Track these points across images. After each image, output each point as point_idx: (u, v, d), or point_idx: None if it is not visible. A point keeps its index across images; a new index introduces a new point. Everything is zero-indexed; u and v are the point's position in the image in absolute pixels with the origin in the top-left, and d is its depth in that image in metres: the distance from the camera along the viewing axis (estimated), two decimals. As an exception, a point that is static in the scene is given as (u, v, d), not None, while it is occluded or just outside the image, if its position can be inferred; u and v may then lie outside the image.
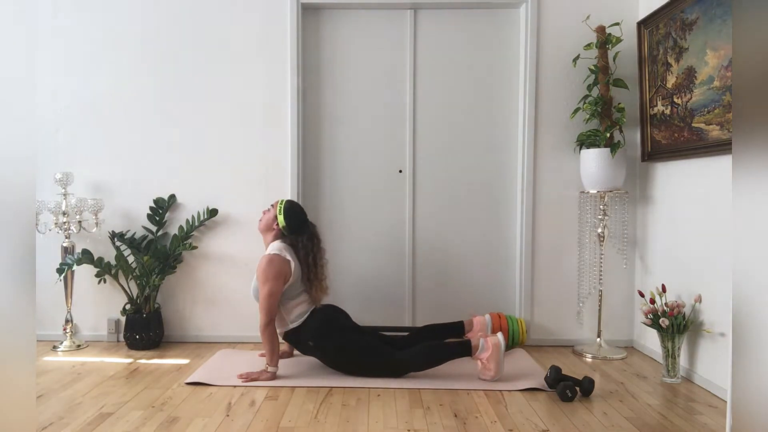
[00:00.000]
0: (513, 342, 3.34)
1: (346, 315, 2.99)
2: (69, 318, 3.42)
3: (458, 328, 3.14)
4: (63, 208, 3.35)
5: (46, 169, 3.51)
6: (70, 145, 3.52)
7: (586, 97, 3.29)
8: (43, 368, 3.02)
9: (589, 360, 3.20)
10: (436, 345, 2.85)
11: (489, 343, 2.75)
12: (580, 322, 3.50)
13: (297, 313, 2.86)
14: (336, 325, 2.86)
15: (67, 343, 3.38)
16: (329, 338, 2.82)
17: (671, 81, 2.98)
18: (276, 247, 2.84)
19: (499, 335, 2.77)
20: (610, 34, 3.19)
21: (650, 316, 2.87)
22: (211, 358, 3.17)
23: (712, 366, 2.71)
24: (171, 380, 2.82)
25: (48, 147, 3.52)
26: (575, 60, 3.28)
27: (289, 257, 2.81)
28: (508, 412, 2.41)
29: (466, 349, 2.77)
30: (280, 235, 2.91)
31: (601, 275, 3.31)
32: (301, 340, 2.87)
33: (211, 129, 3.50)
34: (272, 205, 2.97)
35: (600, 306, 3.30)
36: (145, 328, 3.35)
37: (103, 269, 3.30)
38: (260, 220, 2.98)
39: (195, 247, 3.45)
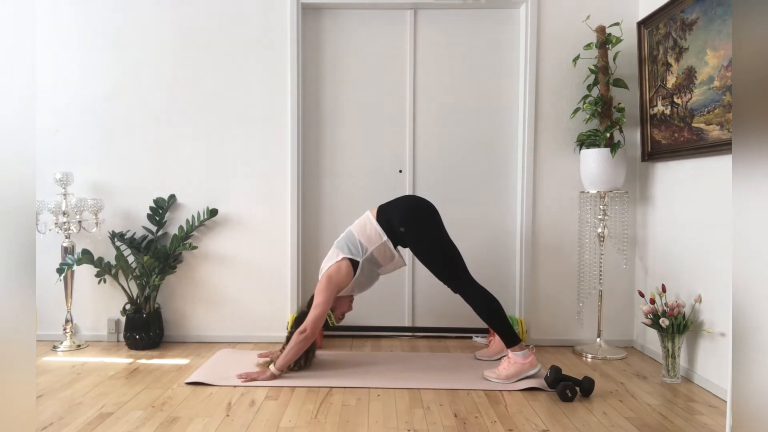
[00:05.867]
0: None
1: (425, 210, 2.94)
2: (69, 318, 3.42)
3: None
4: (63, 208, 3.35)
5: (46, 169, 3.51)
6: (70, 145, 3.52)
7: (586, 97, 3.29)
8: (43, 368, 3.02)
9: (589, 360, 3.21)
10: (501, 307, 2.81)
11: (531, 357, 2.76)
12: (580, 322, 3.50)
13: (372, 235, 2.84)
14: (424, 215, 2.85)
15: (67, 343, 3.38)
16: (417, 219, 2.82)
17: (671, 81, 2.98)
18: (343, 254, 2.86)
19: (539, 366, 2.78)
20: (610, 34, 3.19)
21: (650, 316, 2.87)
22: (211, 358, 3.17)
23: (712, 366, 2.71)
24: (171, 380, 2.82)
25: (48, 147, 3.52)
26: (575, 60, 3.28)
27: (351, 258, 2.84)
28: (508, 412, 2.41)
29: (514, 338, 2.77)
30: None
31: (601, 275, 3.31)
32: (396, 234, 2.84)
33: (212, 129, 3.50)
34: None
35: (600, 306, 3.30)
36: (145, 328, 3.34)
37: (103, 269, 3.30)
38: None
39: (195, 247, 3.45)
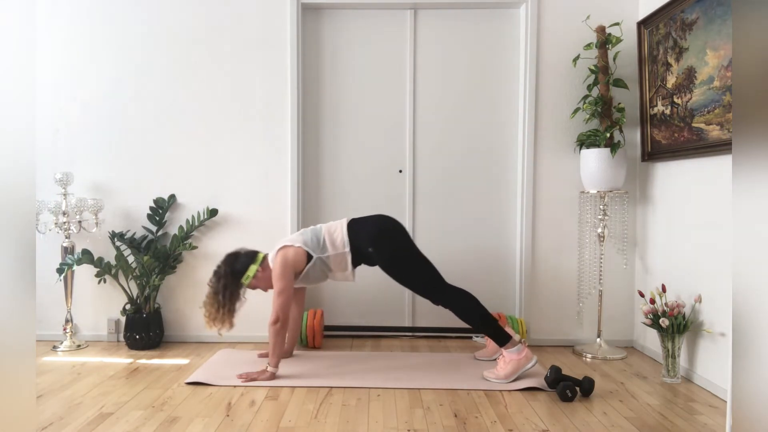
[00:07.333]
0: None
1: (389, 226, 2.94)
2: (69, 318, 3.42)
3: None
4: (63, 208, 3.35)
5: (46, 169, 3.51)
6: (70, 145, 3.52)
7: (586, 97, 3.29)
8: (43, 368, 3.02)
9: (589, 360, 3.21)
10: (484, 309, 2.80)
11: (525, 350, 2.76)
12: (580, 322, 3.50)
13: (336, 241, 2.85)
14: (390, 228, 2.86)
15: (67, 343, 3.38)
16: (386, 241, 2.83)
17: (671, 81, 2.98)
18: (289, 240, 2.87)
19: (535, 358, 2.78)
20: (610, 34, 3.19)
21: (650, 316, 2.87)
22: (211, 358, 3.17)
23: (712, 366, 2.71)
24: (171, 380, 2.82)
25: (48, 147, 3.52)
26: (575, 60, 3.28)
27: (298, 245, 2.84)
28: (508, 412, 2.41)
29: (504, 337, 2.77)
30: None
31: (601, 275, 3.31)
32: (363, 253, 2.86)
33: (211, 129, 3.50)
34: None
35: (600, 306, 3.31)
36: (145, 328, 3.34)
37: (103, 269, 3.30)
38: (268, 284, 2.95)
39: (195, 247, 3.45)
